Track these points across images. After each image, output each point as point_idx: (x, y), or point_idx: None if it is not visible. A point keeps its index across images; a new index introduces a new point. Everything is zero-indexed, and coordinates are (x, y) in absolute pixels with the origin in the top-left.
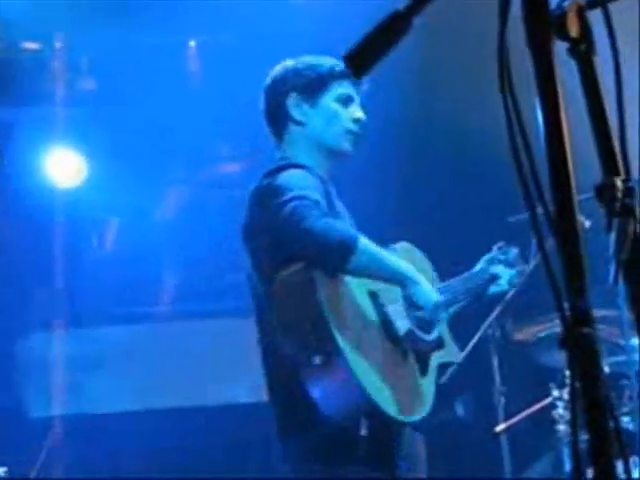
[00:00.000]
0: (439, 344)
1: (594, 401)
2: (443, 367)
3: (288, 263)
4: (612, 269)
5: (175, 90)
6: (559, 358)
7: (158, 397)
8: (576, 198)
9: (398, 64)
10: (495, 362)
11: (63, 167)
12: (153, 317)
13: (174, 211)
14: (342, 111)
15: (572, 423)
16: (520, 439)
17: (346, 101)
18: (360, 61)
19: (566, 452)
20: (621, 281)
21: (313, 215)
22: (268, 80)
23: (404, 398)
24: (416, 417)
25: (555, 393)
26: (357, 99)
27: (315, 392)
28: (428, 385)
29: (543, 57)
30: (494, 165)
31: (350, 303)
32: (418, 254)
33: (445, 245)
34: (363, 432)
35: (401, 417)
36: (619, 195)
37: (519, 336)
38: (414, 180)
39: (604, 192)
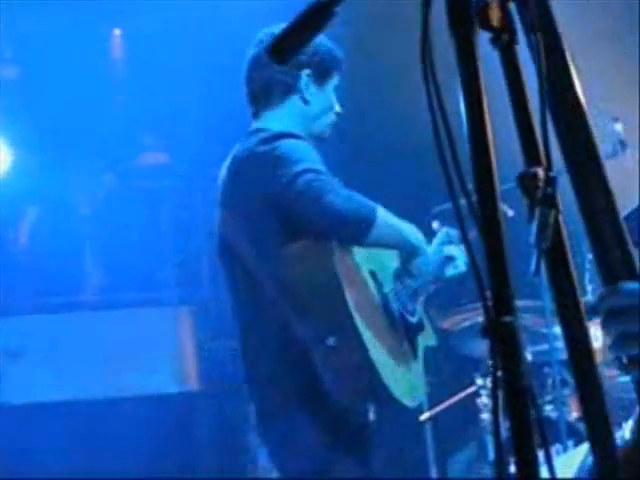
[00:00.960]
0: (421, 326)
1: (516, 390)
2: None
3: (300, 237)
4: (533, 258)
5: (100, 79)
6: (483, 347)
7: (81, 388)
8: (498, 188)
9: None
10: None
11: None
12: (76, 306)
13: (98, 201)
14: (334, 102)
15: (493, 412)
16: (444, 427)
17: (335, 91)
18: (283, 49)
19: (490, 440)
20: (542, 270)
21: (333, 190)
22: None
23: (406, 382)
24: (416, 402)
25: (479, 382)
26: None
27: (326, 374)
28: (420, 369)
29: (465, 47)
30: (419, 154)
31: (361, 280)
32: None
33: None
34: (371, 417)
35: (405, 401)
36: (541, 184)
37: (443, 325)
38: (336, 169)
39: (526, 181)
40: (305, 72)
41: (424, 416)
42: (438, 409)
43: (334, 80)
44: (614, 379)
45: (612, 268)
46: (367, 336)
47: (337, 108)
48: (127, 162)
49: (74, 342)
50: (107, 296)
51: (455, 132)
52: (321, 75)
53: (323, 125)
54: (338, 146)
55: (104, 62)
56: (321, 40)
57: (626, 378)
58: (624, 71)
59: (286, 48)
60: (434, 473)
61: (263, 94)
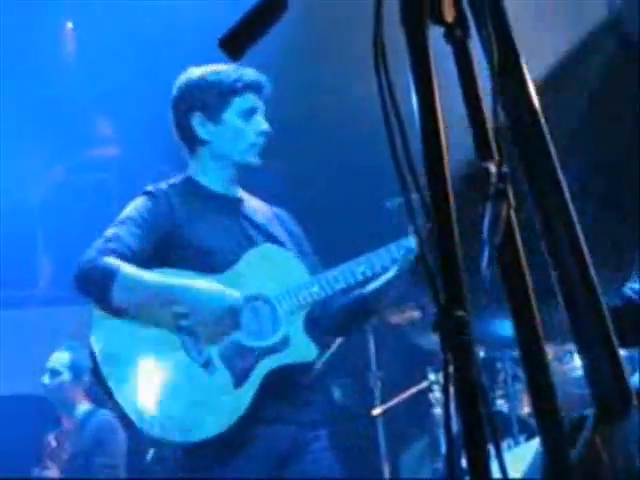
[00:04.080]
0: (277, 347)
1: (467, 384)
2: (293, 368)
3: None
4: (485, 253)
5: (52, 71)
6: (435, 341)
7: (34, 383)
8: (450, 182)
9: (271, 48)
10: (372, 346)
11: None
12: (27, 302)
13: (48, 193)
14: (246, 126)
15: (445, 406)
16: (397, 422)
17: (249, 114)
18: (236, 44)
19: (442, 435)
20: (494, 265)
21: (89, 256)
22: (173, 93)
23: (193, 418)
24: (209, 432)
25: (431, 377)
26: (260, 108)
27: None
28: (243, 395)
29: (417, 41)
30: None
31: (133, 337)
32: (280, 255)
33: (335, 234)
34: (149, 457)
35: (180, 438)
36: (493, 179)
37: (395, 319)
38: (297, 165)
39: (478, 176)
40: (195, 116)
41: (376, 411)
42: (390, 404)
43: (235, 106)
44: (566, 374)
45: (563, 262)
46: (124, 393)
47: (261, 127)
48: (77, 154)
49: (19, 338)
50: (58, 292)
51: (407, 125)
52: (213, 112)
53: (240, 153)
54: (291, 143)
55: (56, 55)
56: (205, 73)
57: (577, 373)
58: None
59: (237, 43)
60: (386, 468)
61: (182, 143)
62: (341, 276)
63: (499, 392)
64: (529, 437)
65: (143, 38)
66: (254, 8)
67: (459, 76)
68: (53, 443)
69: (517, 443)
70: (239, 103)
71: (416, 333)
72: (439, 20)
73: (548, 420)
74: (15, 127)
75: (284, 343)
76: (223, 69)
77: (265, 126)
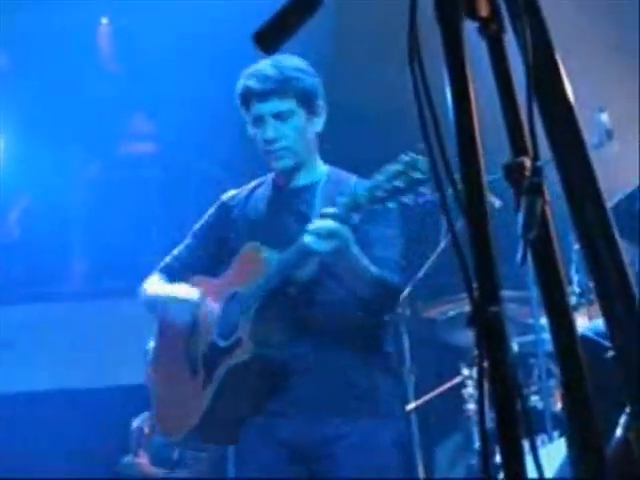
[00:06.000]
0: (235, 345)
1: (501, 380)
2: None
3: None
4: (520, 249)
5: (88, 67)
6: (469, 337)
7: (71, 377)
8: (485, 178)
9: (313, 32)
10: (405, 340)
11: None
12: (64, 296)
13: (87, 189)
14: (257, 134)
15: (479, 402)
16: (430, 417)
17: (258, 122)
18: (269, 38)
19: (476, 430)
20: (529, 261)
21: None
22: None
23: (176, 419)
24: (182, 435)
25: (465, 372)
26: (268, 112)
27: None
28: (206, 395)
29: (452, 36)
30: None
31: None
32: (262, 251)
33: None
34: (175, 456)
35: (172, 438)
36: (527, 174)
37: (429, 314)
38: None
39: (512, 171)
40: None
41: (410, 406)
42: (424, 399)
43: (249, 117)
44: None
45: (597, 259)
46: (155, 390)
47: (265, 135)
48: (113, 151)
49: (64, 331)
50: (94, 286)
51: (442, 121)
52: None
53: (264, 156)
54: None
55: (92, 51)
56: (239, 82)
57: None
58: (609, 63)
59: (271, 38)
60: (420, 462)
61: None
62: (282, 263)
63: (533, 388)
64: (563, 433)
65: (181, 32)
66: (289, 3)
67: (493, 71)
68: (146, 430)
69: (551, 439)
70: (250, 112)
71: (449, 328)
72: (474, 14)
73: (580, 417)
74: (53, 124)
75: (239, 340)
76: (245, 74)
77: (268, 134)
